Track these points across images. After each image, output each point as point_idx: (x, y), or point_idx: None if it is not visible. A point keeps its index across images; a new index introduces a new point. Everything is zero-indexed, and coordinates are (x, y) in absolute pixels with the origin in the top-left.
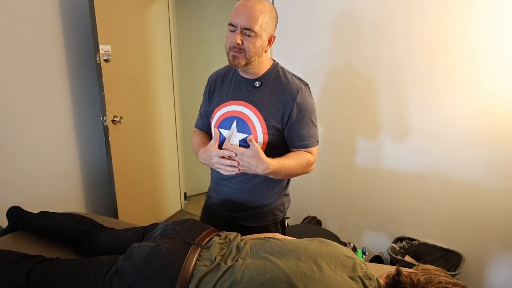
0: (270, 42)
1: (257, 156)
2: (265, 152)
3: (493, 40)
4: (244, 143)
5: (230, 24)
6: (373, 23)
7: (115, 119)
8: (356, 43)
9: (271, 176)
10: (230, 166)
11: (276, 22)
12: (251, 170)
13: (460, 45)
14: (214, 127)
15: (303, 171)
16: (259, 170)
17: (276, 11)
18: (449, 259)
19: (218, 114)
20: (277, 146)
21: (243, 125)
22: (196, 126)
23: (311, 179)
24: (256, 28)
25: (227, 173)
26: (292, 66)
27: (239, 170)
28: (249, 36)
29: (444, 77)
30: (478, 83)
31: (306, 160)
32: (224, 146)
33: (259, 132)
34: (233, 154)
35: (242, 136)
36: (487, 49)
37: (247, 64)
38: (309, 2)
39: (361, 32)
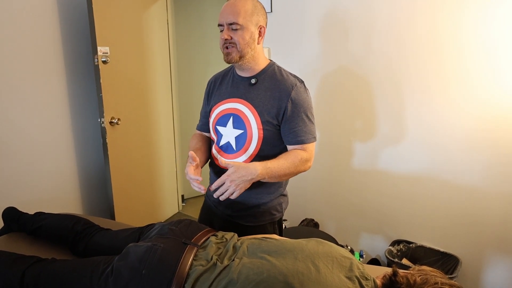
0: (261, 33)
1: (240, 166)
2: (261, 148)
3: (484, 46)
4: (238, 137)
5: (219, 25)
6: (366, 27)
7: (113, 120)
8: (351, 46)
9: (266, 180)
10: (231, 193)
11: (264, 14)
12: (247, 182)
13: (451, 51)
14: (212, 125)
15: (297, 169)
16: (252, 175)
17: (261, 4)
18: (446, 262)
19: (216, 112)
20: (272, 143)
21: (239, 122)
22: (197, 127)
23: (309, 182)
24: (240, 21)
25: (196, 189)
26: (289, 69)
27: (239, 192)
28: (235, 30)
29: (435, 83)
30: (469, 88)
31: (298, 158)
32: (213, 187)
33: (254, 128)
34: (202, 190)
35: (238, 132)
36: (478, 55)
37: (241, 57)
38: (304, 7)
39: (355, 36)
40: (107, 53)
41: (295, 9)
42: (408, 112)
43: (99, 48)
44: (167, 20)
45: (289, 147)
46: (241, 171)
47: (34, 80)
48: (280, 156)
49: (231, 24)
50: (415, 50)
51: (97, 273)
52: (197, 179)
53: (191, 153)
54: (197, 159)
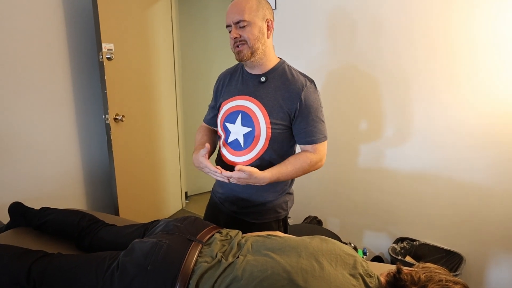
0: (269, 27)
1: (252, 176)
2: (268, 147)
3: (495, 41)
4: (246, 135)
5: (227, 27)
6: (373, 23)
7: (117, 117)
8: (357, 43)
9: (274, 181)
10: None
11: (270, 8)
12: (249, 185)
13: (461, 46)
14: (221, 122)
15: (306, 172)
16: (258, 184)
17: None
18: (449, 260)
19: (225, 108)
20: (281, 142)
21: (247, 119)
22: (204, 120)
23: (313, 179)
24: (246, 17)
25: (221, 179)
26: (294, 66)
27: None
28: (243, 27)
29: (445, 79)
30: (480, 85)
31: (307, 162)
32: (223, 173)
33: (263, 126)
34: (226, 179)
35: (246, 130)
36: (489, 51)
37: (252, 53)
38: (309, 3)
39: (362, 33)
40: (111, 49)
41: (300, 5)
42: (414, 110)
43: (103, 45)
44: (171, 17)
45: (300, 146)
46: (250, 180)
47: (39, 77)
48: (290, 161)
49: (237, 22)
50: (423, 47)
51: (103, 268)
52: (216, 171)
53: (207, 145)
54: (209, 150)
